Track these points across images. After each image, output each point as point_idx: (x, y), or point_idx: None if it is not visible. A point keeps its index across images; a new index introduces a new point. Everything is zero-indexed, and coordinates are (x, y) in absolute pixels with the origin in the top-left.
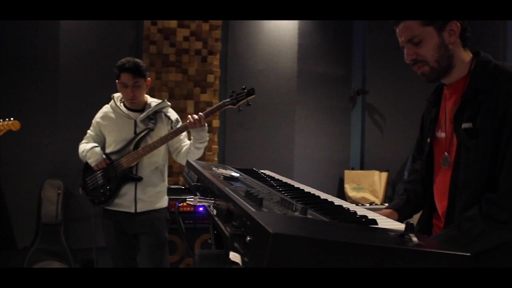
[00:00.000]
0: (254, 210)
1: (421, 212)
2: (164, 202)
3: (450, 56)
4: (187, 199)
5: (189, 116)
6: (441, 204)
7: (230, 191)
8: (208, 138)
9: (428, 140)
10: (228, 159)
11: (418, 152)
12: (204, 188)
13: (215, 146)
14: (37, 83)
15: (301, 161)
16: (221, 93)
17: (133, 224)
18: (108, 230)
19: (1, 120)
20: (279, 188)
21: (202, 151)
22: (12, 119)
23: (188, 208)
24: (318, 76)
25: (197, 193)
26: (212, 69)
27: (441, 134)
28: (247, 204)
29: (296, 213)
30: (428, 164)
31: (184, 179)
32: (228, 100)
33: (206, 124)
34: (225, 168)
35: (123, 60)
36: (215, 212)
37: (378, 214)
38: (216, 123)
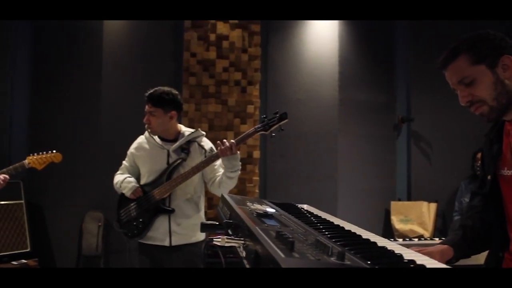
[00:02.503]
0: (283, 255)
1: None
2: (200, 235)
3: (508, 91)
4: (214, 239)
5: (219, 142)
6: None
7: (260, 231)
8: (240, 167)
9: (489, 177)
10: (269, 191)
11: (481, 187)
12: (236, 226)
13: (256, 178)
14: (79, 116)
15: (345, 192)
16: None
17: (169, 259)
18: (144, 265)
19: (44, 152)
20: (317, 226)
21: (235, 180)
22: (54, 151)
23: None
24: (360, 104)
25: (229, 231)
26: (251, 100)
27: (508, 172)
28: (276, 248)
29: (332, 259)
30: (492, 202)
31: (218, 214)
32: (260, 125)
33: (238, 152)
34: (261, 203)
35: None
36: (244, 254)
37: (427, 257)
38: (256, 154)
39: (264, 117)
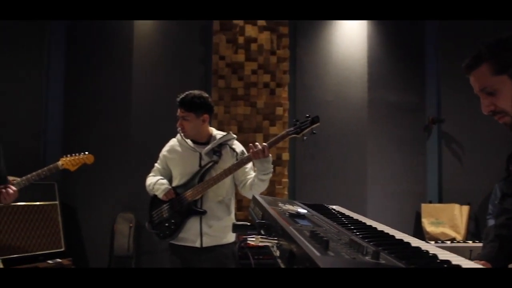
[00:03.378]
0: (318, 254)
1: None
2: (231, 237)
3: None
4: (248, 239)
5: (251, 145)
6: None
7: (294, 231)
8: (272, 169)
9: None
10: (298, 193)
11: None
12: (268, 226)
13: (285, 180)
14: (110, 119)
15: (374, 194)
16: (290, 125)
17: (200, 260)
18: (175, 265)
19: (76, 154)
20: (349, 226)
21: (267, 183)
22: (86, 152)
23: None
24: (390, 105)
25: (262, 231)
26: (280, 102)
27: None
28: (311, 247)
29: (366, 258)
30: None
31: (250, 215)
32: (292, 129)
33: (270, 155)
34: (292, 204)
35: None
36: (278, 253)
37: (462, 258)
38: (286, 156)
39: (296, 121)
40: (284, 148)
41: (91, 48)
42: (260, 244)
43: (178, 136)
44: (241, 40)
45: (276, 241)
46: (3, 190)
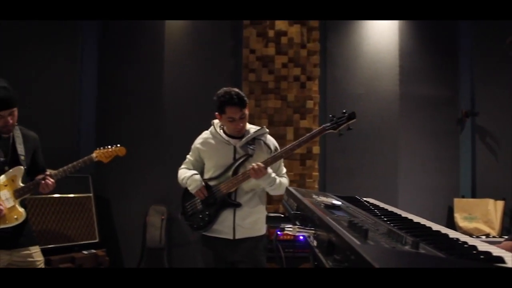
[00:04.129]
0: (358, 242)
1: None
2: (263, 229)
3: None
4: (286, 229)
5: (251, 165)
6: None
7: (332, 221)
8: (276, 181)
9: None
10: (329, 186)
11: None
12: (304, 217)
13: (316, 173)
14: (142, 112)
15: (406, 189)
16: (320, 118)
17: (232, 251)
18: (207, 256)
19: (109, 146)
20: (385, 218)
21: (280, 190)
22: (118, 145)
23: (288, 237)
24: (422, 98)
25: (297, 222)
26: (311, 95)
27: None
28: (350, 236)
29: (406, 247)
30: None
31: (283, 207)
32: (329, 124)
33: (268, 170)
34: (326, 196)
35: (224, 94)
36: (315, 243)
37: (503, 250)
38: (316, 149)
39: (332, 116)
40: (314, 141)
41: (123, 44)
42: (297, 233)
43: (212, 128)
44: (271, 33)
45: (313, 231)
46: (42, 182)
